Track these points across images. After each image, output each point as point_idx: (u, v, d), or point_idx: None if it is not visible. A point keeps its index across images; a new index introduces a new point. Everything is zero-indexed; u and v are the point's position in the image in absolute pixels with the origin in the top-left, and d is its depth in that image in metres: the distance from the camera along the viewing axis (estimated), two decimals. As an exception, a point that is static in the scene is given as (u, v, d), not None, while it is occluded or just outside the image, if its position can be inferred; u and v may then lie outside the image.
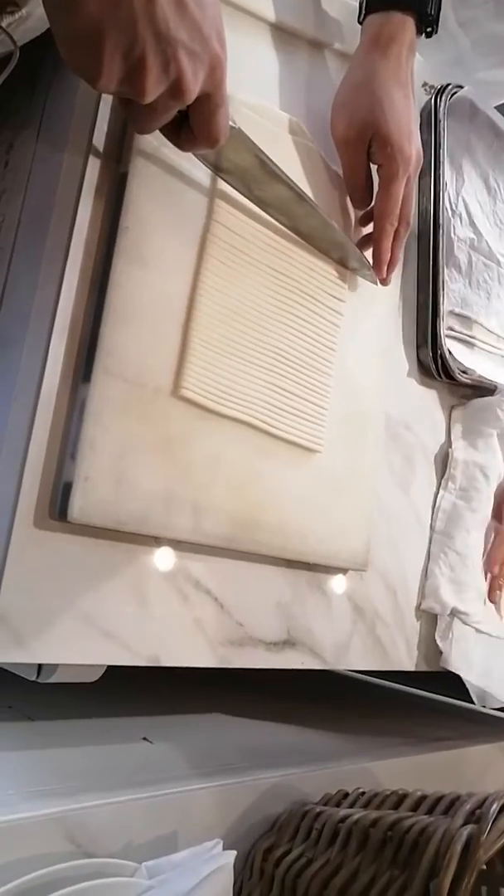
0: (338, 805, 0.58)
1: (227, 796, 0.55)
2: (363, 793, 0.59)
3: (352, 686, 1.08)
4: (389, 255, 0.63)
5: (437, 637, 0.75)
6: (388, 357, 0.70)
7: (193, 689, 0.81)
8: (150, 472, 0.49)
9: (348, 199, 0.64)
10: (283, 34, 0.61)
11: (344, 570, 0.66)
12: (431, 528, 0.78)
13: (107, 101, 0.49)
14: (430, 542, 0.77)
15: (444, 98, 0.78)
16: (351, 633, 0.68)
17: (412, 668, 0.75)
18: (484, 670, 0.78)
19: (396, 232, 0.63)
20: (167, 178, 0.50)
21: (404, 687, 1.11)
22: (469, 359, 0.82)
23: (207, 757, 0.61)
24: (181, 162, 0.51)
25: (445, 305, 0.77)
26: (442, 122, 0.77)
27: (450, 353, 0.77)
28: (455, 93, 0.80)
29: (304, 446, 0.59)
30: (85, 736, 0.61)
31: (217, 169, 0.50)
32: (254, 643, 0.59)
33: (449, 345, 0.78)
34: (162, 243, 0.50)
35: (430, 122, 0.78)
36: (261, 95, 0.58)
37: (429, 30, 0.59)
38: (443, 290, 0.76)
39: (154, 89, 0.37)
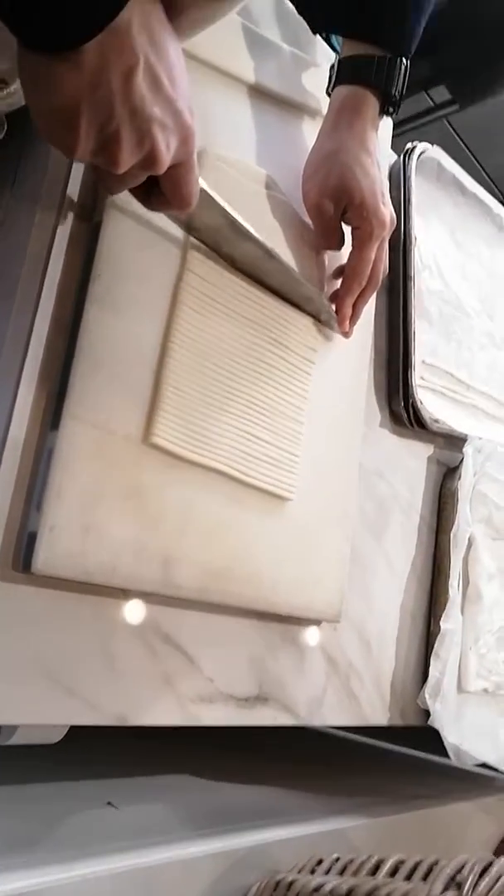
0: (312, 872, 0.55)
1: (196, 867, 0.52)
2: (338, 858, 0.56)
3: (324, 741, 1.05)
4: (352, 311, 0.65)
5: (426, 695, 0.73)
6: (360, 406, 0.70)
7: (159, 747, 0.78)
8: (120, 521, 0.47)
9: (318, 252, 0.65)
10: (258, 93, 0.62)
11: (317, 622, 0.65)
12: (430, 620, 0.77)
13: (81, 152, 0.50)
14: (428, 636, 0.77)
15: (412, 158, 0.80)
16: (325, 687, 0.66)
17: (386, 724, 0.73)
18: (459, 727, 0.76)
19: (364, 291, 0.65)
20: (140, 228, 0.51)
21: (378, 742, 1.08)
22: (440, 408, 0.82)
23: (175, 822, 0.58)
24: (153, 214, 0.51)
25: (417, 356, 0.78)
26: (410, 179, 0.79)
27: (421, 402, 0.78)
28: (423, 153, 0.83)
29: (277, 494, 0.59)
30: (44, 801, 0.58)
31: (188, 228, 0.51)
32: (225, 699, 0.57)
33: (420, 394, 0.79)
34: (135, 291, 0.50)
35: (399, 180, 0.80)
36: (236, 151, 0.60)
37: (391, 110, 0.61)
38: (414, 340, 0.77)
39: (128, 162, 0.38)
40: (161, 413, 0.50)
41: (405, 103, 0.63)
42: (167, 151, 0.39)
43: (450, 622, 0.77)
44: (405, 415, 0.78)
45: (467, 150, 1.98)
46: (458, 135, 1.96)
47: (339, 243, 0.64)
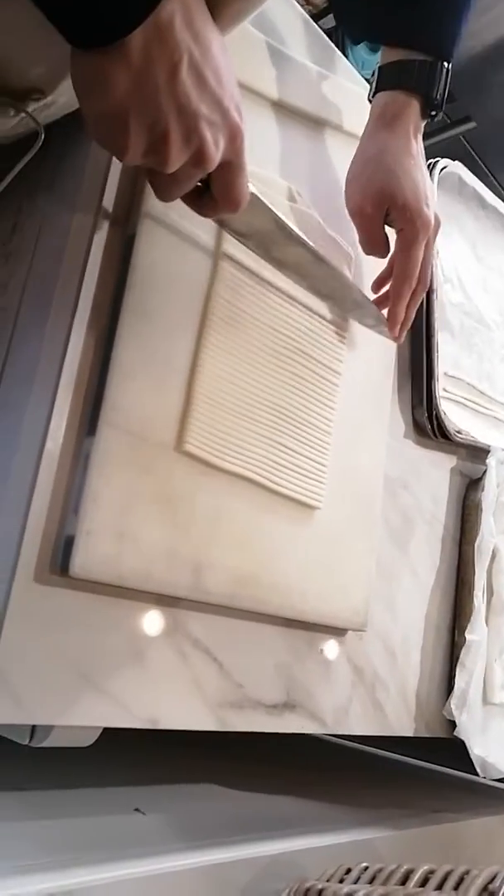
0: (341, 881, 0.55)
1: (223, 873, 0.52)
2: (366, 867, 0.56)
3: (345, 754, 1.04)
4: (404, 315, 0.64)
5: (452, 706, 0.73)
6: (385, 417, 0.71)
7: (185, 756, 0.78)
8: (153, 527, 0.48)
9: (346, 264, 0.66)
10: (281, 109, 0.64)
11: (343, 631, 0.65)
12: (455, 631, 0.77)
13: (116, 166, 0.51)
14: (453, 646, 0.77)
15: (433, 172, 0.81)
16: (350, 696, 0.66)
17: (412, 734, 0.73)
18: (485, 739, 0.76)
19: (414, 292, 0.64)
20: (173, 240, 0.52)
21: (400, 756, 1.07)
22: (463, 420, 0.83)
23: (202, 829, 0.58)
24: (187, 225, 0.52)
25: (439, 367, 0.79)
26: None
27: (445, 413, 0.78)
28: (445, 168, 0.84)
29: (305, 503, 0.59)
30: (75, 806, 0.58)
31: (237, 233, 0.52)
32: (253, 705, 0.57)
33: (443, 406, 0.80)
34: (168, 301, 0.51)
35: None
36: (261, 165, 0.61)
37: (433, 113, 0.62)
38: (437, 352, 0.78)
39: (177, 160, 0.39)
40: (193, 421, 0.51)
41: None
42: (216, 149, 0.39)
43: (475, 633, 0.77)
44: (429, 426, 0.78)
45: (481, 163, 1.99)
46: (472, 148, 1.98)
47: (384, 248, 0.64)
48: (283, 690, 0.60)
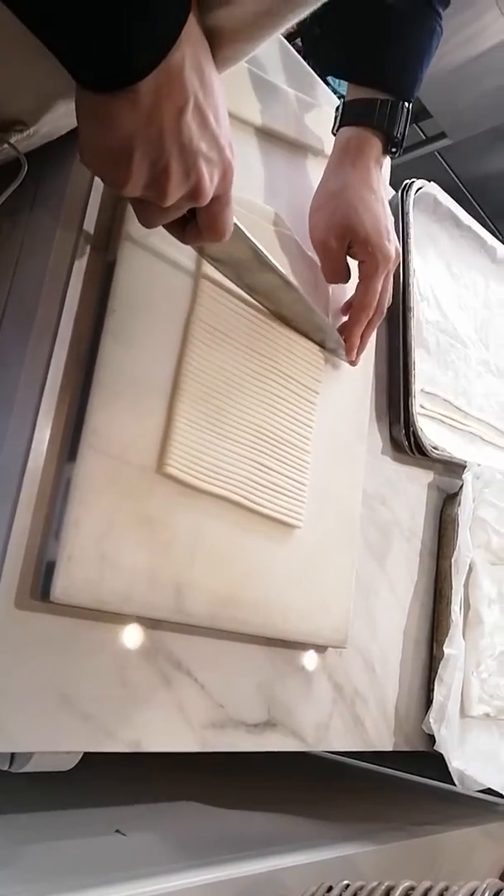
0: (322, 899, 0.56)
1: (205, 895, 0.52)
2: (348, 885, 0.56)
3: (327, 767, 1.05)
4: (359, 341, 0.67)
5: (431, 720, 0.74)
6: (363, 434, 0.72)
7: (165, 774, 0.78)
8: (134, 550, 0.48)
9: (323, 283, 0.67)
10: (264, 135, 0.65)
11: (324, 648, 0.66)
12: (433, 645, 0.78)
13: (97, 190, 0.52)
14: (431, 660, 0.78)
15: (409, 193, 0.83)
16: (331, 712, 0.67)
17: (391, 749, 0.73)
18: (463, 752, 0.77)
19: (371, 321, 0.67)
20: (153, 263, 0.52)
21: (381, 767, 1.08)
22: (439, 436, 0.84)
23: (183, 849, 0.58)
24: (167, 249, 0.53)
25: (416, 384, 0.80)
26: (408, 214, 0.82)
27: (421, 429, 0.79)
28: (420, 188, 0.85)
29: (284, 522, 0.60)
30: (54, 830, 0.58)
31: (213, 259, 0.53)
32: (235, 725, 0.57)
33: (420, 422, 0.81)
34: (148, 325, 0.51)
35: (397, 215, 0.83)
36: (244, 190, 0.62)
37: (394, 150, 0.64)
38: (414, 369, 0.79)
39: (175, 194, 0.40)
40: (173, 443, 0.51)
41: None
42: (211, 185, 0.40)
43: (453, 647, 0.78)
44: (406, 442, 0.79)
45: (456, 180, 2.02)
46: (447, 165, 2.01)
47: (345, 277, 0.66)
48: (264, 709, 0.60)
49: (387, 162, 0.67)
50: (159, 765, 0.62)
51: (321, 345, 0.65)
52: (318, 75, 0.69)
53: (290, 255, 0.64)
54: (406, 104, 0.62)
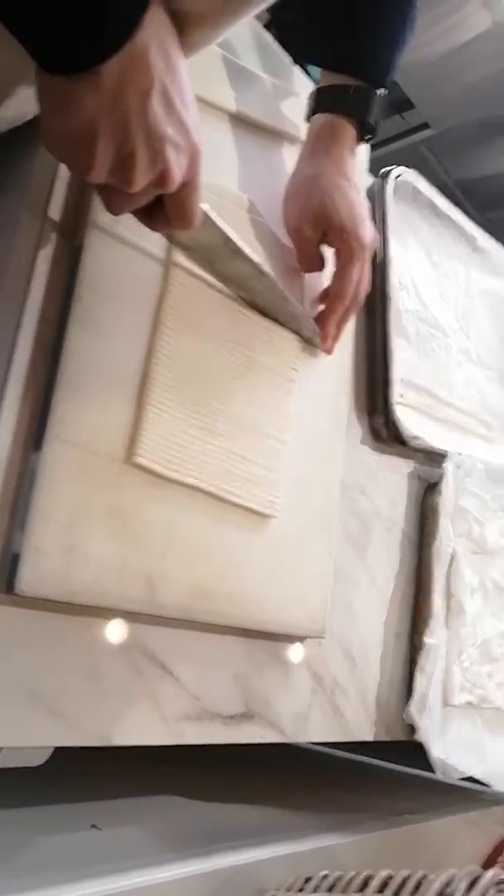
0: (300, 891, 0.55)
1: (183, 888, 0.52)
2: (325, 876, 0.56)
3: (308, 757, 1.04)
4: (335, 330, 0.66)
5: (412, 710, 0.74)
6: (342, 424, 0.71)
7: (144, 768, 0.78)
8: (103, 541, 0.48)
9: (298, 272, 0.66)
10: (238, 122, 0.64)
11: (302, 638, 0.65)
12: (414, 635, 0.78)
13: (63, 177, 0.51)
14: (412, 650, 0.77)
15: (388, 180, 0.82)
16: (310, 703, 0.66)
17: (372, 739, 0.73)
18: (444, 741, 0.77)
19: (347, 309, 0.66)
20: (122, 249, 0.51)
21: (363, 757, 1.08)
22: (420, 425, 0.84)
23: (160, 843, 0.58)
24: (135, 236, 0.52)
25: (395, 373, 0.80)
26: (387, 202, 0.81)
27: (400, 419, 0.79)
28: (399, 176, 0.85)
29: (260, 512, 0.59)
30: (27, 824, 0.57)
31: (183, 247, 0.52)
32: (210, 717, 0.57)
33: (399, 412, 0.80)
34: (117, 312, 0.50)
35: (375, 202, 0.82)
36: (217, 177, 0.61)
37: (368, 137, 0.63)
38: (392, 358, 0.79)
39: (141, 181, 0.39)
40: (143, 432, 0.50)
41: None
42: (178, 170, 0.39)
43: (434, 637, 0.78)
44: (385, 431, 0.79)
45: (441, 170, 2.02)
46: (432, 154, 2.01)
47: (320, 266, 0.65)
48: (241, 701, 0.59)
49: (362, 149, 0.67)
50: (137, 758, 0.62)
51: (297, 333, 0.64)
52: (294, 62, 0.68)
53: (265, 243, 0.63)
54: (379, 90, 0.61)
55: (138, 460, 0.50)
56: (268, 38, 0.68)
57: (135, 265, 0.52)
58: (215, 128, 0.62)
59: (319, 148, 0.62)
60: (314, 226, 0.62)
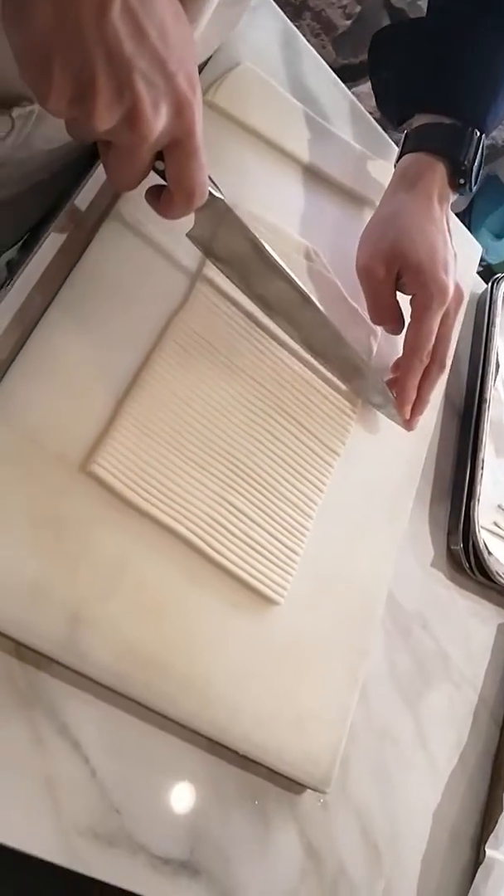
0: None
1: None
2: None
3: None
4: (415, 394, 0.56)
5: None
6: (400, 524, 0.58)
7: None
8: (24, 551, 0.39)
9: (370, 338, 0.58)
10: (315, 176, 0.61)
11: (299, 788, 0.49)
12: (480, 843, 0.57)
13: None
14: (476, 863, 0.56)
15: (500, 285, 0.74)
16: (297, 889, 0.48)
17: None
18: None
19: (428, 371, 0.56)
20: (141, 248, 0.47)
21: None
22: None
23: None
24: (165, 238, 0.48)
25: (488, 493, 0.66)
26: (496, 304, 0.73)
27: (486, 547, 0.64)
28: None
29: (258, 591, 0.47)
30: None
31: (209, 253, 0.47)
32: (133, 849, 0.42)
33: (492, 543, 0.65)
34: (110, 309, 0.45)
35: (484, 306, 0.74)
36: (282, 223, 0.57)
37: (462, 181, 0.56)
38: (481, 471, 0.65)
39: (106, 114, 0.35)
40: (112, 441, 0.42)
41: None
42: (154, 111, 0.35)
43: (500, 849, 0.56)
44: (464, 558, 0.64)
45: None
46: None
47: (395, 316, 0.57)
48: (184, 842, 0.44)
49: (458, 199, 0.59)
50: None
51: (362, 395, 0.54)
52: (395, 128, 0.65)
53: (327, 298, 0.56)
54: (476, 132, 0.55)
55: (94, 469, 0.41)
56: (366, 115, 0.66)
57: (152, 266, 0.47)
58: (284, 173, 0.59)
59: (402, 187, 0.56)
60: (388, 265, 0.54)
